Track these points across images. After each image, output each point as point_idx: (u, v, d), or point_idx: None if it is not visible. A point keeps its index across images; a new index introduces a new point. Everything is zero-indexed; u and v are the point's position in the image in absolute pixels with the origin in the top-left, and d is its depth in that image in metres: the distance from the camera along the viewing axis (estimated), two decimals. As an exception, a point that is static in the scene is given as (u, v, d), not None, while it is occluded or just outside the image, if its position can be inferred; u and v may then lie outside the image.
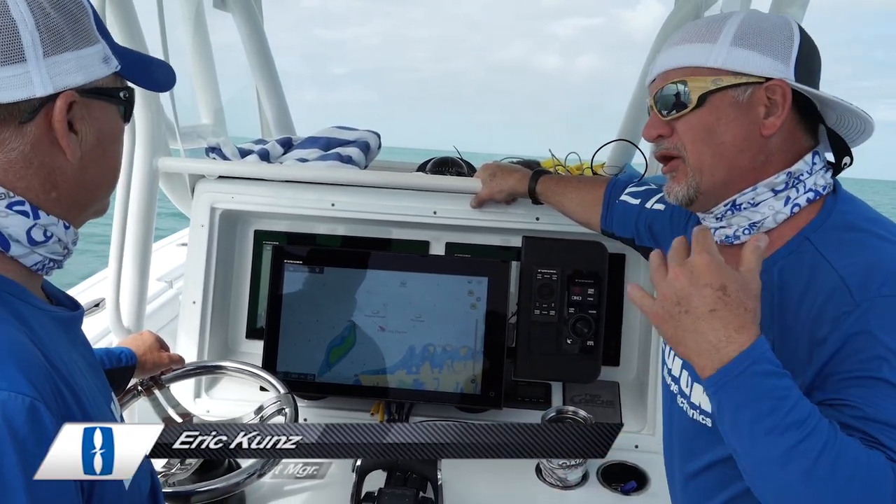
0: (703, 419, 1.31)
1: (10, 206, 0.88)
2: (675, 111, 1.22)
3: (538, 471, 1.81)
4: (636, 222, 1.63)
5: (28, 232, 0.90)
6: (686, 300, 1.02)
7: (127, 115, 1.00)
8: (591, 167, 2.25)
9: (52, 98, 0.87)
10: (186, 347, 2.05)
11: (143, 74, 1.02)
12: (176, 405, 1.67)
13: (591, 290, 1.93)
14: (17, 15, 0.85)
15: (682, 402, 1.38)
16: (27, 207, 0.89)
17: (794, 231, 1.20)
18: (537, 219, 1.99)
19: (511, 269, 1.95)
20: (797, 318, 1.13)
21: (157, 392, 1.67)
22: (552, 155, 2.34)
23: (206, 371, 1.84)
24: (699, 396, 1.32)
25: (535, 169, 1.96)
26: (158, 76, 1.09)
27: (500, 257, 2.04)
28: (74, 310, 1.05)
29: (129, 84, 1.00)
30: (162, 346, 1.69)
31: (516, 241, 2.03)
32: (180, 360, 1.72)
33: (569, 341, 1.92)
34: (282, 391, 1.68)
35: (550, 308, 1.94)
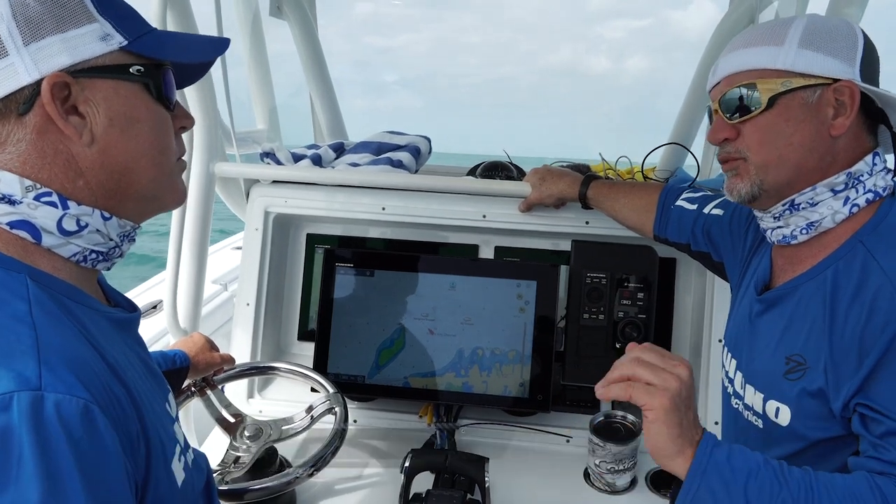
0: (755, 420, 1.32)
1: (37, 198, 0.88)
2: (741, 114, 1.23)
3: (586, 475, 1.80)
4: (693, 227, 1.63)
5: (59, 222, 0.90)
6: (689, 400, 1.07)
7: (158, 93, 0.96)
8: (643, 171, 2.24)
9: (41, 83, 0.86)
10: (240, 348, 2.10)
11: (167, 48, 0.98)
12: (228, 405, 1.71)
13: (640, 295, 1.92)
14: None
15: (736, 403, 1.40)
16: (55, 198, 0.89)
17: (849, 233, 1.20)
18: (587, 223, 1.99)
19: (560, 273, 1.95)
20: (847, 321, 1.13)
21: (209, 392, 1.71)
22: (602, 159, 2.34)
23: (257, 372, 1.88)
24: (752, 398, 1.33)
25: (585, 173, 1.96)
26: (192, 48, 1.04)
27: (550, 261, 2.05)
28: (132, 312, 1.06)
29: (160, 61, 0.96)
30: (212, 346, 1.72)
31: (566, 245, 2.03)
32: (231, 359, 1.75)
33: (618, 346, 1.91)
34: (331, 391, 1.71)
35: (600, 312, 1.93)
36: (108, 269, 1.01)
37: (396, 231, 2.18)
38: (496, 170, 2.35)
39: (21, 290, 0.84)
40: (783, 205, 1.24)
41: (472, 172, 2.42)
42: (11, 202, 0.87)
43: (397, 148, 2.29)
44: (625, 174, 2.34)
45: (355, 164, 2.21)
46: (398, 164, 2.19)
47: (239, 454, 1.59)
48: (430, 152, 2.37)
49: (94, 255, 0.95)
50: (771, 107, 1.19)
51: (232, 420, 1.67)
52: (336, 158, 2.30)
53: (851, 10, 1.93)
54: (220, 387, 1.74)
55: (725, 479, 1.03)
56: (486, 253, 2.16)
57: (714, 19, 2.42)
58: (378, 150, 2.29)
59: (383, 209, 2.07)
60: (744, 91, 1.21)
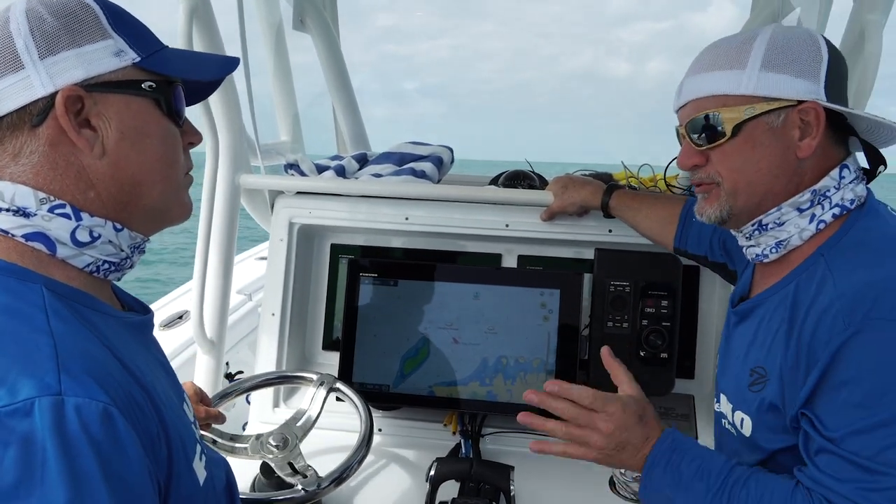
0: (731, 428, 1.34)
1: (51, 210, 0.90)
2: (709, 141, 1.22)
3: (612, 483, 1.80)
4: (710, 239, 1.65)
5: (73, 234, 0.91)
6: (623, 443, 1.23)
7: (168, 109, 0.98)
8: (665, 178, 2.24)
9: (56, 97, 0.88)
10: (266, 358, 2.11)
11: (178, 66, 1.00)
12: (227, 436, 1.65)
13: (664, 303, 1.92)
14: (13, 27, 0.88)
15: (717, 408, 1.43)
16: (68, 210, 0.91)
17: (814, 248, 1.20)
18: (610, 231, 1.99)
19: (584, 282, 1.96)
20: (802, 334, 1.14)
21: (205, 433, 1.62)
22: (625, 167, 2.34)
23: (232, 395, 1.82)
24: (725, 406, 1.36)
25: (608, 182, 1.97)
26: (202, 66, 1.07)
27: (573, 270, 2.05)
28: (145, 314, 1.08)
29: (171, 78, 0.99)
30: (202, 398, 1.63)
31: (589, 254, 2.03)
32: (218, 415, 1.63)
33: (642, 354, 1.91)
34: (314, 377, 1.73)
35: (623, 320, 1.93)
36: (119, 279, 1.03)
37: (420, 241, 2.19)
38: (518, 179, 2.36)
39: (37, 299, 0.86)
40: (752, 225, 1.25)
41: (494, 182, 2.43)
42: (26, 214, 0.89)
43: (420, 158, 2.31)
44: (647, 182, 2.34)
45: (378, 175, 2.22)
46: (421, 175, 2.21)
47: (282, 463, 1.57)
48: (452, 162, 2.38)
49: (106, 266, 0.96)
50: (736, 134, 1.19)
51: (244, 445, 1.62)
52: (359, 169, 2.32)
53: (874, 16, 1.92)
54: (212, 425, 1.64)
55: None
56: (510, 262, 2.16)
57: (733, 20, 2.41)
58: (401, 160, 2.30)
59: (406, 219, 2.08)
60: (709, 119, 1.20)
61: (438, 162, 2.30)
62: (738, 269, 1.57)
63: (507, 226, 2.05)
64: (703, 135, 1.22)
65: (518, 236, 2.07)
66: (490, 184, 2.43)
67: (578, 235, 2.03)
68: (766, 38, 1.17)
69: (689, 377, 2.08)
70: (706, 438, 1.93)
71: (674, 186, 2.26)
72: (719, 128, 1.20)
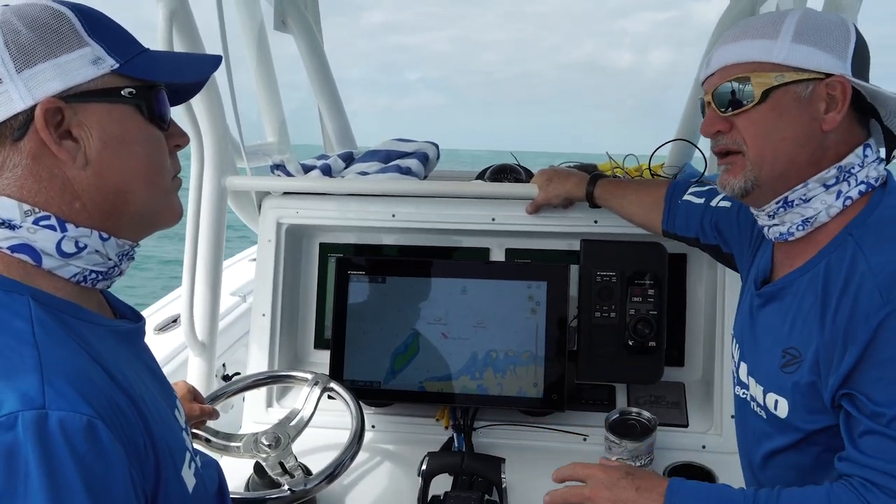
0: (759, 411, 1.34)
1: (36, 222, 0.89)
2: (734, 107, 1.23)
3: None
4: (701, 221, 1.65)
5: (58, 245, 0.91)
6: (619, 500, 1.22)
7: (151, 114, 0.97)
8: (650, 168, 2.24)
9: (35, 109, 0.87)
10: (257, 359, 2.12)
11: (159, 69, 0.99)
12: (221, 434, 1.65)
13: (651, 292, 1.92)
14: None
15: (743, 394, 1.41)
16: (53, 221, 0.90)
17: (840, 227, 1.21)
18: (595, 222, 2.00)
19: (570, 273, 1.96)
20: (837, 314, 1.14)
21: (198, 431, 1.64)
22: (609, 157, 2.34)
23: (231, 393, 1.84)
24: (755, 389, 1.34)
25: (592, 173, 1.97)
26: (184, 68, 1.06)
27: (560, 261, 2.06)
28: (137, 321, 1.08)
29: (152, 82, 0.97)
30: (196, 397, 1.65)
31: (576, 245, 2.03)
32: (212, 411, 1.65)
33: (630, 343, 1.92)
34: (309, 377, 1.73)
35: (611, 310, 1.94)
36: (108, 287, 1.02)
37: (407, 237, 2.19)
38: (504, 173, 2.37)
39: (24, 311, 0.86)
40: (776, 203, 1.25)
41: (480, 176, 2.44)
42: (11, 227, 0.89)
43: (405, 155, 2.31)
44: (633, 172, 2.34)
45: (364, 173, 2.23)
46: (407, 171, 2.22)
47: (274, 463, 1.57)
48: (437, 158, 2.39)
49: (93, 275, 0.96)
50: (764, 101, 1.20)
51: (237, 445, 1.62)
52: (345, 168, 2.32)
53: (849, 0, 1.93)
54: (206, 422, 1.66)
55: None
56: (497, 255, 2.17)
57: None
58: (386, 157, 2.31)
59: (393, 216, 2.09)
60: (737, 84, 1.22)
61: (424, 158, 2.30)
62: (734, 251, 1.58)
63: (493, 220, 2.05)
64: (731, 100, 1.23)
65: (505, 230, 2.08)
66: (476, 178, 2.43)
67: (565, 227, 2.03)
68: (798, 14, 1.21)
69: (679, 365, 2.09)
70: (697, 426, 1.95)
71: (659, 176, 2.27)
72: (747, 93, 1.21)
